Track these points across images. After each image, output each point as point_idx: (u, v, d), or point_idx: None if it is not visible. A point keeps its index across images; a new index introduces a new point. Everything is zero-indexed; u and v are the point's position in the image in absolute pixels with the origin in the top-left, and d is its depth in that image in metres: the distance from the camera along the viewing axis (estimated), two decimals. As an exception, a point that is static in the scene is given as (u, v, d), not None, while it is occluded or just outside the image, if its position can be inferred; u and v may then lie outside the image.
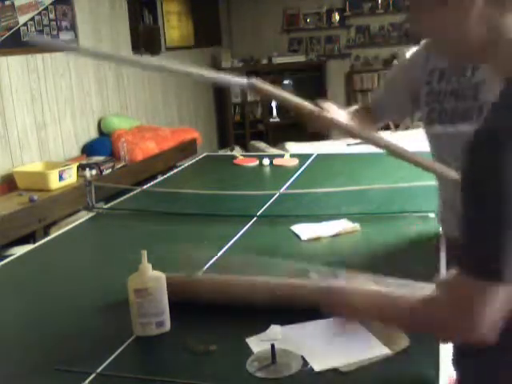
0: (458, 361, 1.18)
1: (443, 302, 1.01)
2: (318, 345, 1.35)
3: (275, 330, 1.42)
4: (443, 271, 1.68)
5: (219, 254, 1.98)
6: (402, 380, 1.24)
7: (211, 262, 1.92)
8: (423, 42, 1.69)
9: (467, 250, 0.96)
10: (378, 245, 1.99)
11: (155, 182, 3.27)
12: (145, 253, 1.47)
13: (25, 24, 4.36)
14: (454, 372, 1.24)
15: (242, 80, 1.50)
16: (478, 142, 0.93)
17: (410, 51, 1.82)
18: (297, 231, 2.14)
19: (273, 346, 1.28)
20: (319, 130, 1.71)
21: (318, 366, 1.26)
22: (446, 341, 1.11)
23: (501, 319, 0.96)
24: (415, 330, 1.13)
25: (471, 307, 0.96)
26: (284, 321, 1.46)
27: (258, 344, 1.37)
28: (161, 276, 1.48)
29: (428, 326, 1.06)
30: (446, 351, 1.28)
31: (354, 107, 1.95)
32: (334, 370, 1.25)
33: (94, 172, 4.32)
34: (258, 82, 1.52)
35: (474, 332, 0.96)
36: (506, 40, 0.97)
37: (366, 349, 1.30)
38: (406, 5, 1.45)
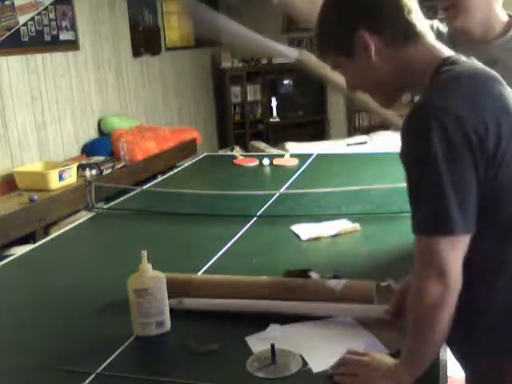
0: (463, 359, 1.24)
1: (416, 272, 1.11)
2: (317, 344, 1.36)
3: (274, 329, 1.43)
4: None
5: (219, 254, 1.98)
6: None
7: (211, 262, 1.92)
8: None
9: (416, 212, 1.10)
10: (378, 245, 1.99)
11: (155, 181, 3.27)
12: (145, 253, 1.47)
13: (25, 24, 4.36)
14: (462, 370, 1.25)
15: (292, 53, 1.54)
16: (410, 116, 1.10)
17: None
18: (297, 231, 2.14)
19: (273, 346, 1.28)
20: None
21: (316, 366, 1.26)
22: (434, 311, 1.11)
23: (460, 265, 1.08)
24: (425, 321, 1.13)
25: (436, 259, 1.07)
26: (284, 320, 1.46)
27: (257, 343, 1.37)
28: (161, 276, 1.48)
29: (419, 303, 1.11)
30: (447, 352, 1.29)
31: None
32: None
33: (94, 172, 4.32)
34: (305, 56, 1.59)
35: (445, 282, 1.07)
36: (416, 60, 1.19)
37: (365, 348, 1.30)
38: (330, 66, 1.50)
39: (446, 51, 1.20)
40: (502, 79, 1.16)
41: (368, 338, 1.36)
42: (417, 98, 1.20)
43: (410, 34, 1.18)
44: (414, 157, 1.09)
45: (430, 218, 1.08)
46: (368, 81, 1.24)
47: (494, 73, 1.16)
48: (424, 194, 1.08)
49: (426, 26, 1.20)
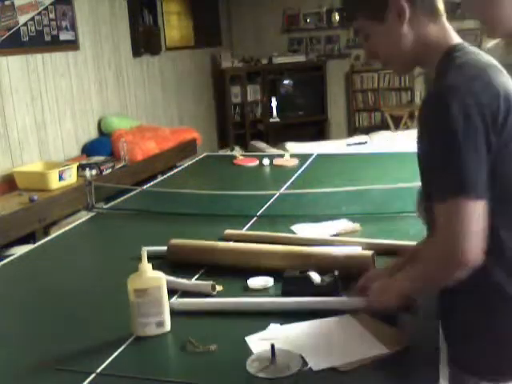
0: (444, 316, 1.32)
1: (436, 235, 1.19)
2: (316, 344, 1.36)
3: (274, 329, 1.43)
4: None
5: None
6: (402, 379, 1.24)
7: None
8: None
9: (437, 185, 1.19)
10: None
11: (155, 181, 3.27)
12: (145, 253, 1.47)
13: (25, 24, 4.36)
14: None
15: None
16: (430, 96, 1.22)
17: None
18: (297, 231, 2.14)
19: (273, 346, 1.28)
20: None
21: (316, 365, 1.26)
22: (449, 274, 1.20)
23: (480, 238, 1.14)
24: (428, 277, 1.27)
25: (456, 223, 1.14)
26: (285, 320, 1.46)
27: (256, 343, 1.37)
28: (161, 276, 1.48)
29: (435, 262, 1.21)
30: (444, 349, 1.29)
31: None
32: (334, 370, 1.25)
33: (94, 172, 4.32)
34: None
35: (465, 249, 1.13)
36: (432, 42, 1.28)
37: (365, 348, 1.30)
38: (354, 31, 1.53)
39: (457, 37, 1.30)
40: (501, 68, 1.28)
41: (367, 337, 1.36)
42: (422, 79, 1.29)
43: (434, 10, 1.28)
44: (436, 131, 1.17)
45: (453, 183, 1.15)
46: (391, 48, 1.30)
47: (495, 61, 1.27)
48: (446, 163, 1.16)
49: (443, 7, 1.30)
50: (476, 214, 1.14)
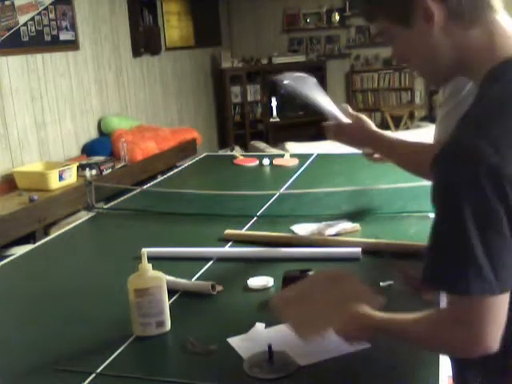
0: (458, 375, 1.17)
1: (447, 322, 0.99)
2: (300, 342, 1.36)
3: (257, 330, 1.42)
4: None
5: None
6: (401, 379, 1.24)
7: (211, 262, 1.92)
8: None
9: (438, 265, 0.97)
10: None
11: (155, 181, 3.27)
12: (145, 253, 1.47)
13: (25, 24, 4.36)
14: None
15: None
16: (441, 154, 0.95)
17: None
18: (297, 231, 2.14)
19: (270, 346, 1.28)
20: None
21: (302, 360, 1.28)
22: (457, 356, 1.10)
23: (502, 327, 0.96)
24: (431, 349, 1.13)
25: (472, 323, 0.95)
26: (269, 323, 1.46)
27: (239, 343, 1.37)
28: (161, 276, 1.48)
29: (438, 345, 1.05)
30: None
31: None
32: (333, 370, 1.25)
33: (94, 172, 4.32)
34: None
35: (481, 345, 0.96)
36: (473, 52, 1.01)
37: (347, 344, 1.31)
38: (381, 38, 1.50)
39: None
40: None
41: None
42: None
43: (477, 12, 0.99)
44: (440, 203, 0.96)
45: (458, 275, 0.94)
46: (421, 55, 1.07)
47: None
48: (449, 248, 0.95)
49: (500, 6, 1.02)
50: (501, 309, 0.95)
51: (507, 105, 0.94)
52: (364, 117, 1.70)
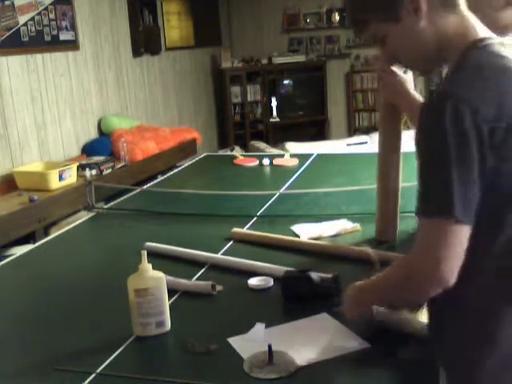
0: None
1: (411, 252, 1.12)
2: (299, 342, 1.38)
3: (257, 330, 1.42)
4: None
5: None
6: (401, 380, 1.24)
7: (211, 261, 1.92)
8: None
9: (421, 197, 1.10)
10: (377, 244, 1.99)
11: (155, 181, 3.27)
12: (145, 253, 1.47)
13: (25, 24, 4.36)
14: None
15: None
16: (429, 102, 1.13)
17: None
18: (297, 231, 2.14)
19: (270, 346, 1.28)
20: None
21: (301, 360, 1.28)
22: (417, 296, 1.19)
23: (459, 262, 1.06)
24: (398, 291, 1.22)
25: (432, 243, 1.07)
26: (269, 323, 1.46)
27: (240, 343, 1.38)
28: (161, 276, 1.48)
29: (401, 280, 1.16)
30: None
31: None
32: (333, 370, 1.25)
33: (94, 172, 4.32)
34: None
35: (437, 272, 1.06)
36: (450, 36, 1.16)
37: (344, 342, 1.35)
38: (373, 39, 1.53)
39: (482, 31, 1.16)
40: None
41: (346, 333, 1.39)
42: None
43: (453, 1, 1.15)
44: (425, 140, 1.09)
45: (435, 201, 1.08)
46: (411, 48, 1.20)
47: None
48: (431, 179, 1.08)
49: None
50: (459, 239, 1.06)
51: (483, 69, 1.09)
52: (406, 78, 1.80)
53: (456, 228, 1.05)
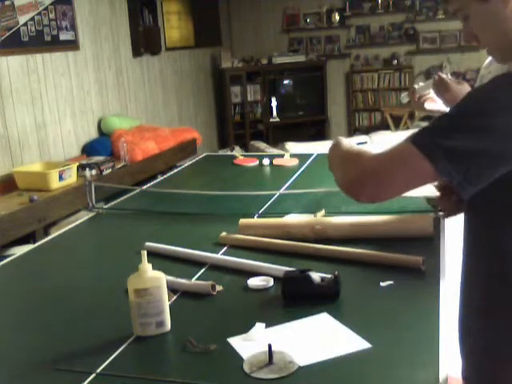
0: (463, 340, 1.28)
1: (374, 154, 1.16)
2: (299, 342, 1.37)
3: (257, 330, 1.42)
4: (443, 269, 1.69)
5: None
6: (401, 380, 1.24)
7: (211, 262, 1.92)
8: None
9: (423, 128, 1.10)
10: (378, 244, 1.99)
11: (155, 181, 3.27)
12: (145, 253, 1.47)
13: (25, 24, 4.36)
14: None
15: None
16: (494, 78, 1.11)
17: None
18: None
19: (270, 346, 1.28)
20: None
21: (302, 360, 1.28)
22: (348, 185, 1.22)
23: (401, 190, 1.11)
24: (340, 168, 1.35)
25: (392, 160, 1.10)
26: (269, 323, 1.46)
27: (240, 343, 1.38)
28: (161, 276, 1.48)
29: (349, 163, 1.26)
30: (448, 344, 1.29)
31: None
32: (333, 370, 1.25)
33: (93, 172, 4.32)
34: None
35: (380, 184, 1.11)
36: None
37: (344, 342, 1.34)
38: (454, 13, 1.54)
39: None
40: None
41: (346, 333, 1.39)
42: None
43: None
44: (470, 99, 1.11)
45: (423, 134, 1.09)
46: (492, 32, 1.18)
47: None
48: (443, 121, 1.09)
49: None
50: (415, 170, 1.08)
51: None
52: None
53: (424, 162, 1.06)
